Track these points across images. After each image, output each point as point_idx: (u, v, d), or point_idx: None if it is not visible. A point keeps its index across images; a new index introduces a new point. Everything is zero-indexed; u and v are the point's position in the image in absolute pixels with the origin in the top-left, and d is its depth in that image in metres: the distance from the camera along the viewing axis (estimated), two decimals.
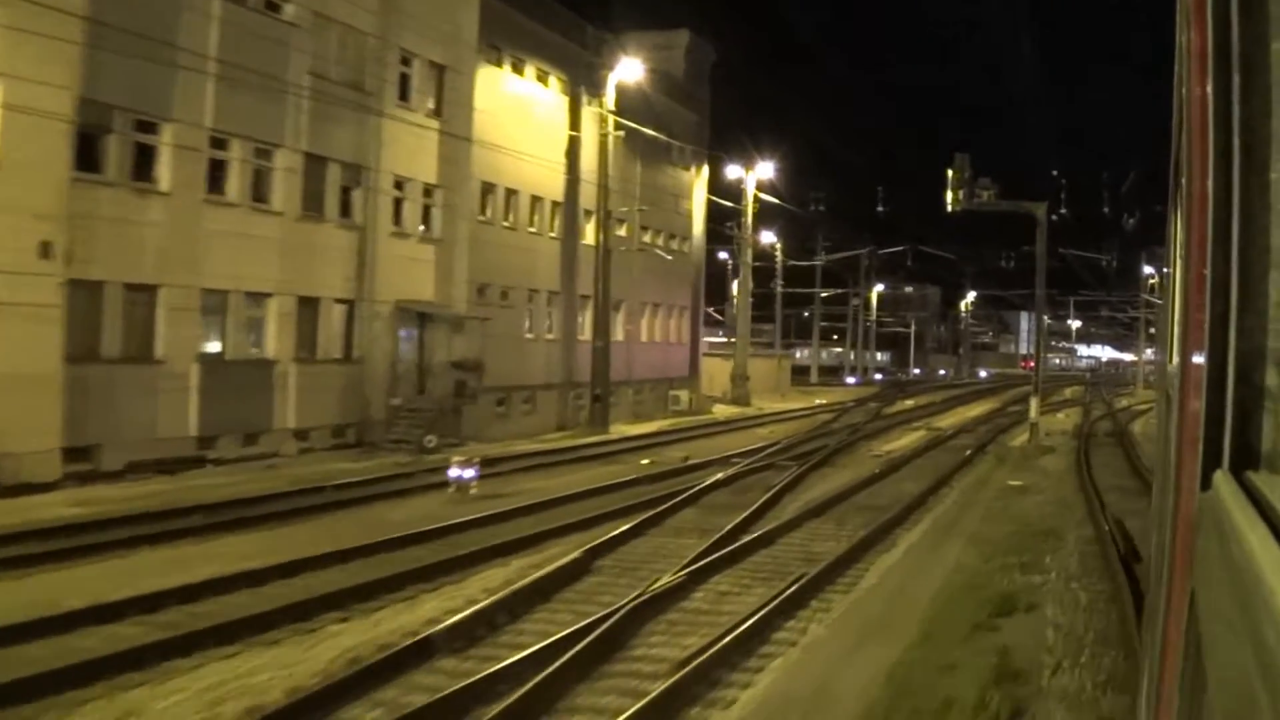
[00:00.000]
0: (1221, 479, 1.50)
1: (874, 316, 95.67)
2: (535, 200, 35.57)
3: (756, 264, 70.93)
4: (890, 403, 55.24)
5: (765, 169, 50.00)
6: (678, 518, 19.71)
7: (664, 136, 43.09)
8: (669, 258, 43.07)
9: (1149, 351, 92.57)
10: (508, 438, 32.52)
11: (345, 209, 29.61)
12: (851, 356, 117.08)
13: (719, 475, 24.25)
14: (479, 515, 18.90)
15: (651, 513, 19.45)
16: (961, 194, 34.22)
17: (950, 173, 34.34)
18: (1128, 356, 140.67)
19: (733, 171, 49.78)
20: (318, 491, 21.74)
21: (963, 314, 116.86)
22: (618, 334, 40.37)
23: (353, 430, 29.35)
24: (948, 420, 43.93)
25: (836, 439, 33.87)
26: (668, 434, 35.45)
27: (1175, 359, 2.93)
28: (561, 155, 36.69)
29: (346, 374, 29.23)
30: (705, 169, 47.79)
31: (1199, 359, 1.72)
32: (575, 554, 15.63)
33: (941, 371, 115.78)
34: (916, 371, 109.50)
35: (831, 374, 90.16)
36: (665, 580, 14.18)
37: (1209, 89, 1.66)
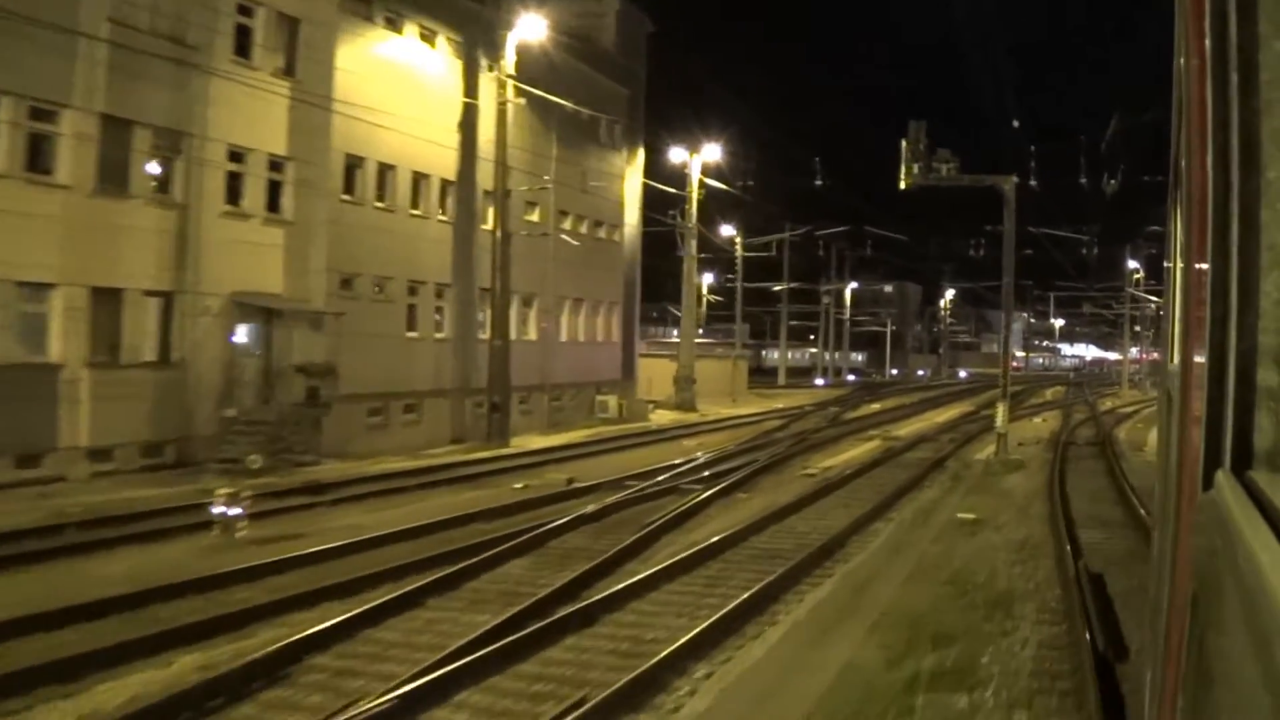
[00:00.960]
0: (1223, 478, 1.49)
1: (848, 315, 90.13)
2: (419, 178, 29.98)
3: (709, 256, 65.51)
4: (854, 407, 49.71)
5: (711, 152, 44.48)
6: (495, 574, 14.21)
7: (586, 111, 37.53)
8: (575, 243, 37.37)
9: (1134, 350, 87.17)
10: (382, 453, 26.97)
11: (163, 184, 24.02)
12: (827, 357, 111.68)
13: (593, 506, 18.75)
14: (214, 573, 13.47)
15: (463, 564, 14.00)
16: (917, 168, 28.74)
17: (904, 144, 28.88)
18: (1113, 355, 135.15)
19: (677, 155, 44.27)
20: (54, 532, 16.26)
21: (942, 312, 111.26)
22: (529, 332, 34.79)
23: (172, 448, 23.73)
24: (911, 427, 38.40)
25: (772, 452, 28.34)
26: (579, 447, 29.90)
27: (1176, 358, 2.83)
28: (454, 127, 31.11)
29: (162, 381, 23.61)
30: (641, 151, 42.21)
31: (1199, 358, 1.75)
32: (275, 647, 10.16)
33: (920, 372, 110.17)
34: (894, 372, 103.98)
35: (804, 375, 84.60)
36: (374, 703, 8.67)
37: (1208, 88, 1.67)
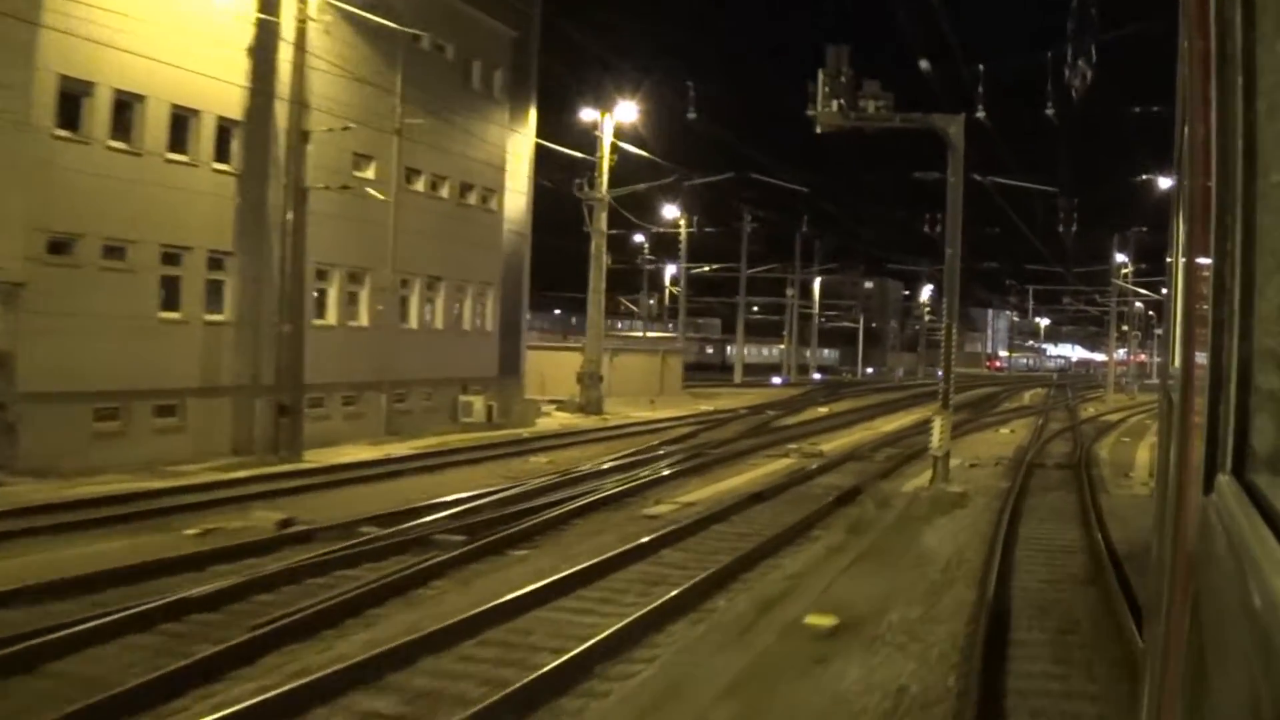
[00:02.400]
0: (1224, 481, 1.47)
1: (816, 309, 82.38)
2: (184, 115, 22.18)
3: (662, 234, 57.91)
4: (797, 411, 41.94)
5: (627, 111, 36.68)
6: None
7: (450, 47, 29.79)
8: (437, 211, 29.50)
9: (1121, 351, 79.23)
10: (112, 469, 19.37)
11: None
12: (807, 354, 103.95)
13: (232, 580, 11.09)
14: None
15: None
16: (837, 106, 20.97)
17: (820, 75, 21.13)
18: (1100, 356, 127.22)
19: (588, 115, 36.49)
20: None
21: (920, 308, 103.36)
22: (360, 316, 27.01)
23: None
24: (848, 438, 30.65)
25: (634, 475, 20.65)
26: (397, 462, 22.18)
27: (1177, 361, 2.76)
28: (243, 52, 23.34)
29: None
30: (533, 108, 34.32)
31: (1201, 361, 1.74)
32: None
33: (898, 371, 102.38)
34: (870, 371, 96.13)
35: (772, 373, 76.76)
36: None
37: (1212, 92, 1.64)
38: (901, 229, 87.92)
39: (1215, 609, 1.35)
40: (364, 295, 26.83)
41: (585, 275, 63.74)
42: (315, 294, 25.69)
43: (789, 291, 72.89)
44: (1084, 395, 64.30)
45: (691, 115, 33.66)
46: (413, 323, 28.64)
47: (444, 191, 29.51)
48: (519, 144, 33.13)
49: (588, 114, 36.27)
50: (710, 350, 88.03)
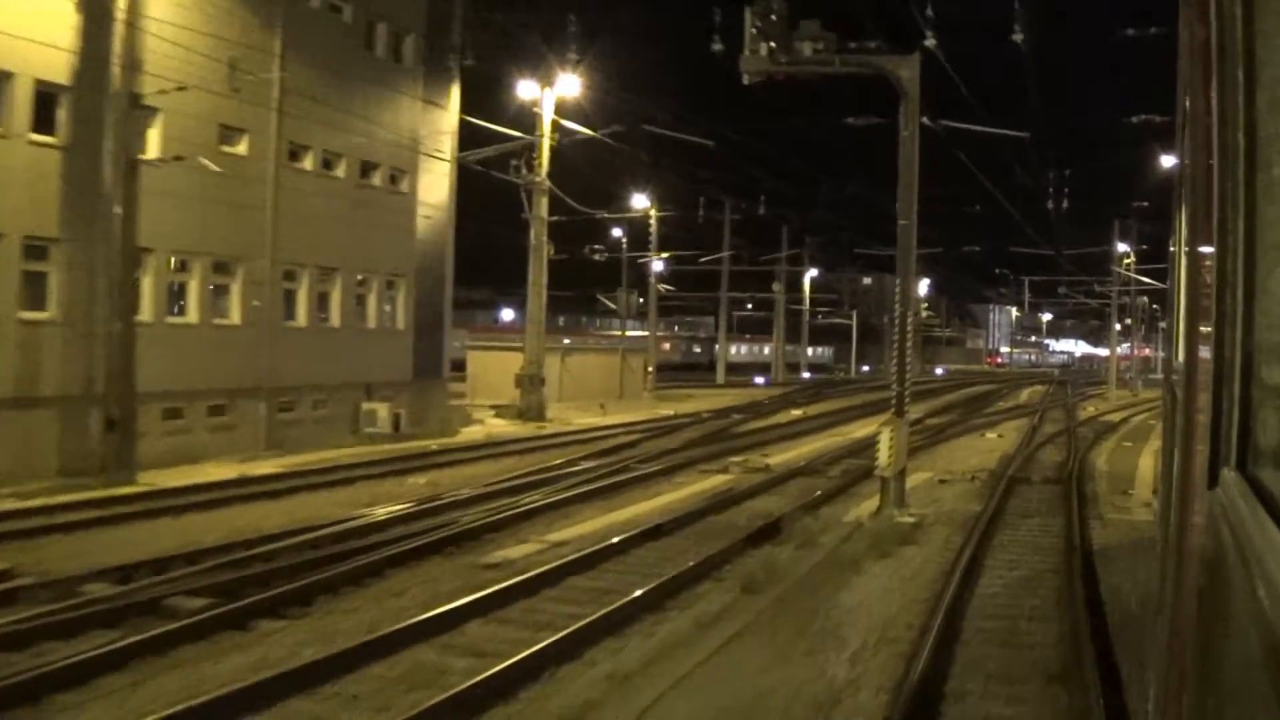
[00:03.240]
0: (1228, 475, 1.45)
1: (806, 305, 78.13)
2: None
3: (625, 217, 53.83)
4: (767, 414, 37.75)
5: (570, 85, 32.55)
6: None
7: (346, 5, 25.79)
8: (334, 189, 25.42)
9: (1123, 346, 74.81)
10: None
11: None
12: (804, 352, 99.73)
13: None
14: None
15: None
16: (767, 50, 16.86)
17: (748, 15, 17.02)
18: (1103, 351, 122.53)
19: (526, 90, 32.38)
20: None
21: (917, 303, 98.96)
22: (232, 314, 22.96)
23: None
24: (811, 446, 26.51)
25: (513, 503, 16.58)
26: (244, 485, 18.17)
27: (1180, 356, 2.69)
28: (70, 7, 19.34)
29: None
30: (456, 82, 30.11)
31: (1205, 356, 1.70)
32: None
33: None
34: (866, 369, 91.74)
35: (763, 372, 72.53)
36: None
37: (1213, 86, 1.62)
38: (869, 207, 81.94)
39: (1220, 602, 1.32)
40: (236, 289, 22.76)
41: (566, 271, 59.56)
42: (174, 287, 21.71)
43: (775, 286, 68.60)
44: (1085, 392, 59.91)
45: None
46: (300, 320, 24.55)
47: (340, 171, 25.41)
48: (438, 120, 29.01)
49: (526, 89, 32.14)
50: (698, 349, 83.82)
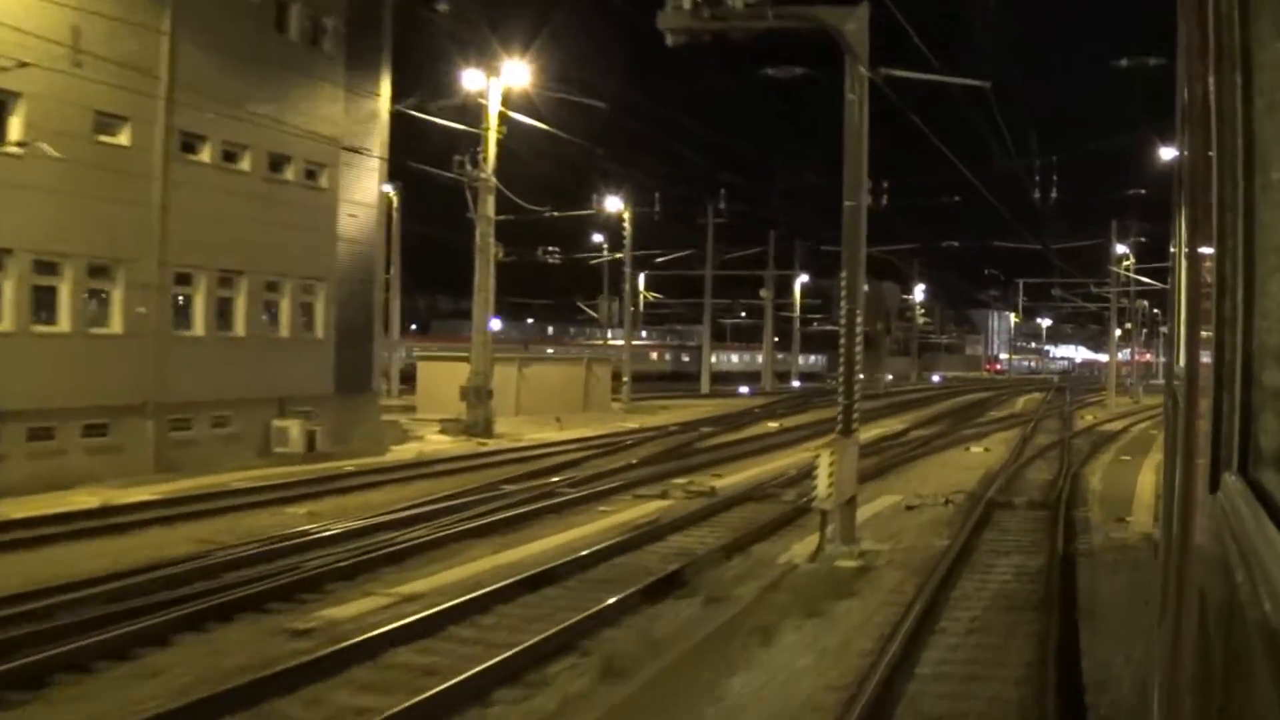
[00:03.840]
0: (1230, 480, 1.43)
1: (797, 311, 75.38)
2: None
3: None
4: (744, 426, 34.96)
5: (519, 74, 29.86)
6: None
7: None
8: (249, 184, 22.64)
9: (1124, 352, 71.93)
10: None
11: None
12: (796, 360, 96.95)
13: None
14: None
15: None
16: (690, 3, 14.08)
17: None
18: (1105, 357, 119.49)
19: (472, 80, 29.67)
20: None
21: (913, 309, 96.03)
22: (113, 322, 20.21)
23: None
24: (772, 464, 23.66)
25: (389, 540, 13.81)
26: (98, 516, 15.39)
27: (1182, 360, 2.61)
28: None
29: None
30: (386, 71, 27.30)
31: (1206, 360, 1.68)
32: None
33: (889, 376, 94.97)
34: (860, 378, 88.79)
35: (754, 381, 69.56)
36: None
37: (1211, 89, 1.62)
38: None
39: (1222, 606, 1.32)
40: (117, 294, 20.02)
41: (550, 280, 56.74)
42: (42, 293, 19.02)
43: (763, 292, 65.70)
44: (1084, 400, 56.99)
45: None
46: (198, 329, 21.77)
47: (245, 164, 22.65)
48: (364, 110, 26.27)
49: (471, 79, 29.46)
50: (686, 358, 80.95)
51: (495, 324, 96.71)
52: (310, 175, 24.44)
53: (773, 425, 35.20)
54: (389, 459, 23.90)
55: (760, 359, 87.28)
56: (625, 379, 46.65)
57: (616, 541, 13.90)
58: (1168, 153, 37.00)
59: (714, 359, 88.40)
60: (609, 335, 69.39)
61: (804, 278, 75.16)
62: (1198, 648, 1.58)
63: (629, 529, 15.01)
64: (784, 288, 73.87)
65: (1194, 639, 1.63)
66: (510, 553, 13.38)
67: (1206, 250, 1.65)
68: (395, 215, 39.03)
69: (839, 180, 14.34)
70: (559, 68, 31.68)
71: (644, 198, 49.72)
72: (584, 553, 13.00)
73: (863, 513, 15.01)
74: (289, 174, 23.83)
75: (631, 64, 63.01)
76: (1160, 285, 49.40)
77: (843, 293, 14.41)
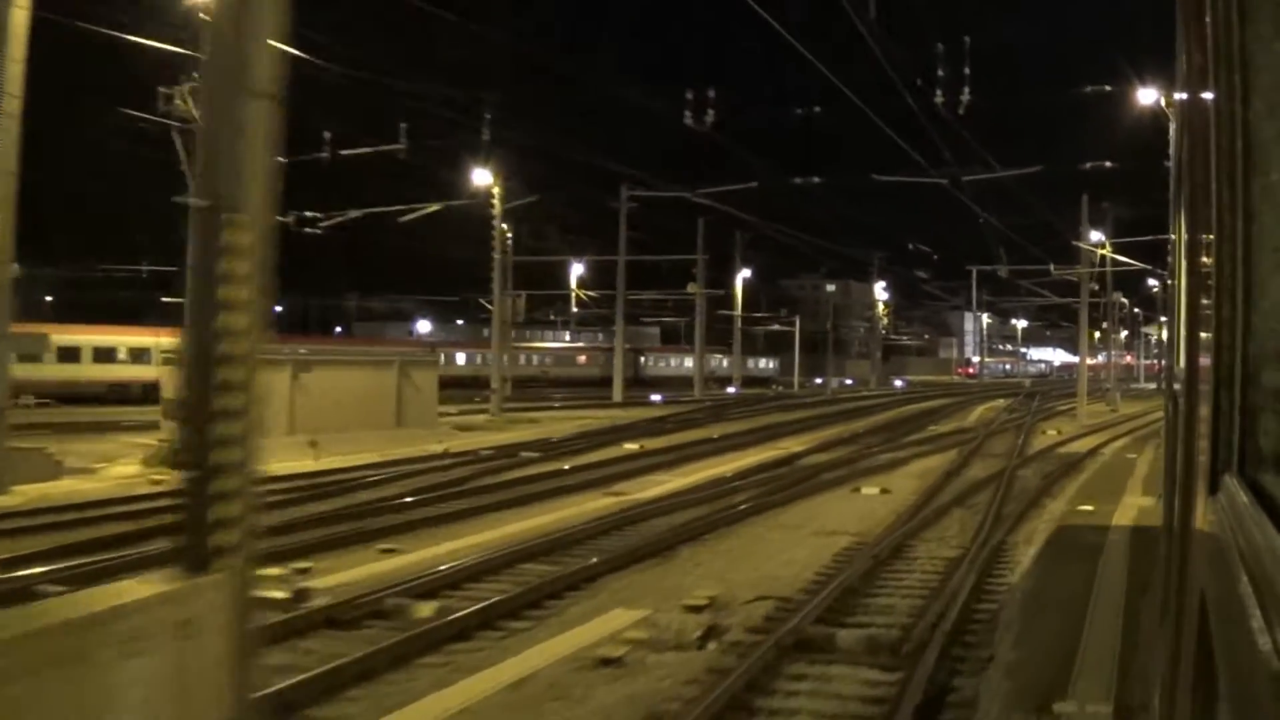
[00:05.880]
0: (1230, 480, 1.41)
1: (738, 309, 66.47)
2: None
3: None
4: (591, 450, 25.99)
5: None
6: None
7: None
8: None
9: (1099, 356, 63.22)
10: None
11: None
12: (757, 363, 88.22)
13: None
14: None
15: None
16: None
17: None
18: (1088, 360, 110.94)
19: None
20: None
21: (876, 311, 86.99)
22: None
23: None
24: (540, 520, 14.81)
25: None
26: None
27: (1182, 362, 2.54)
28: None
29: None
30: None
31: (1205, 362, 1.65)
32: None
33: (848, 381, 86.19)
34: (818, 381, 79.90)
35: (710, 384, 60.48)
36: None
37: (1210, 91, 1.60)
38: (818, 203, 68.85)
39: (1223, 605, 1.26)
40: None
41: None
42: None
43: (691, 286, 56.57)
44: (1053, 408, 48.08)
45: None
46: None
47: None
48: None
49: None
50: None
51: (424, 326, 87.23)
52: None
53: (632, 447, 26.23)
54: None
55: (719, 361, 78.58)
56: (495, 386, 37.70)
57: None
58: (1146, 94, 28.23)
59: (651, 362, 79.56)
60: (499, 334, 60.45)
61: (746, 272, 66.19)
62: (1198, 644, 1.53)
63: None
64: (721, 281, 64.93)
65: (1195, 635, 1.59)
66: None
67: (1206, 252, 1.62)
68: None
69: None
70: None
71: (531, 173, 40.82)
72: None
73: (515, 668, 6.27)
74: None
75: None
76: (1132, 265, 40.54)
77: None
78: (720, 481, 19.30)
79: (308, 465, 21.41)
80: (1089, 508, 15.84)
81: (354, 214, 34.19)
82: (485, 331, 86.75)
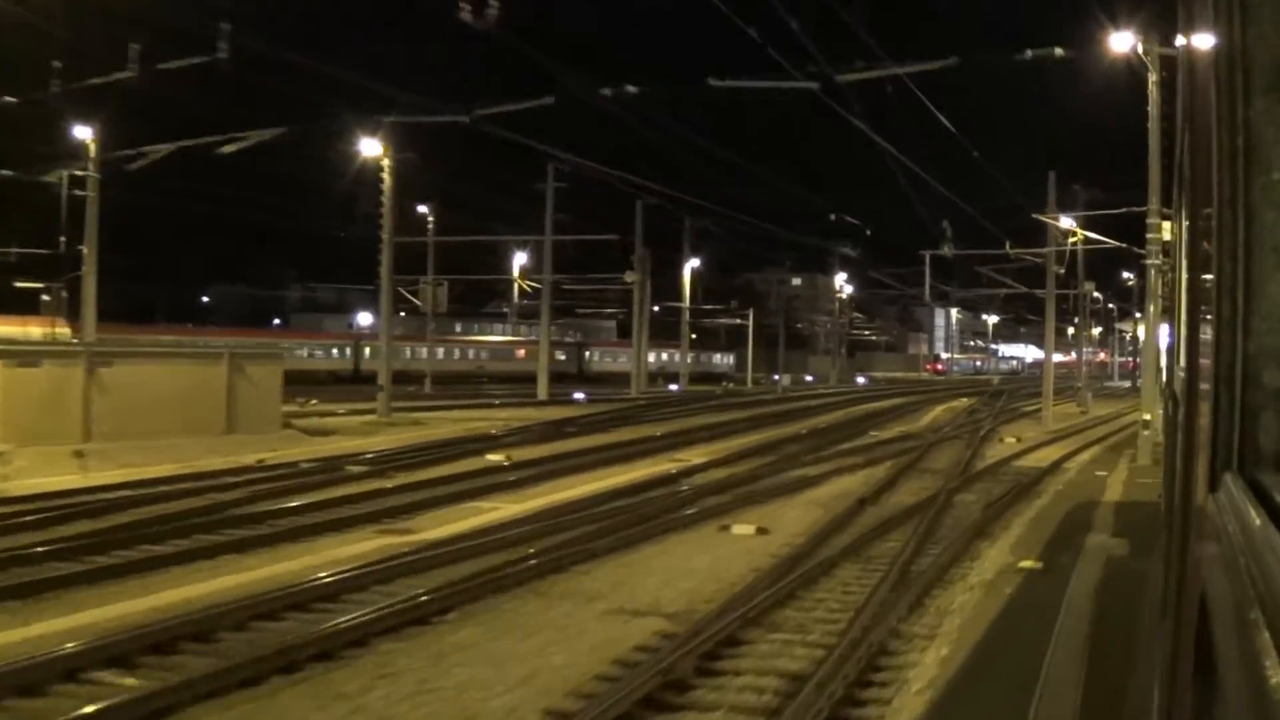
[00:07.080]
0: (1230, 480, 1.40)
1: (685, 303, 61.64)
2: None
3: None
4: (445, 462, 21.15)
5: None
6: None
7: None
8: None
9: (1069, 353, 58.81)
10: None
11: None
12: (684, 358, 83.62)
13: None
14: None
15: None
16: None
17: None
18: (1059, 356, 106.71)
19: None
20: None
21: (840, 305, 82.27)
22: None
23: None
24: (261, 569, 10.11)
25: None
26: None
27: (1182, 361, 2.57)
28: None
29: None
30: None
31: (1206, 361, 1.64)
32: None
33: (808, 378, 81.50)
34: (777, 378, 75.16)
35: (658, 380, 55.61)
36: None
37: (1212, 90, 1.57)
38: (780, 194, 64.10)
39: (1222, 606, 1.29)
40: None
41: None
42: None
43: (629, 275, 51.54)
44: (1018, 409, 43.57)
45: None
46: None
47: None
48: None
49: None
50: (562, 356, 67.08)
51: (365, 318, 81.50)
52: None
53: (495, 459, 21.39)
54: None
55: (665, 357, 73.83)
56: (382, 383, 32.79)
57: None
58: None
59: (597, 357, 74.86)
60: (428, 324, 55.64)
61: (694, 261, 61.28)
62: (1199, 647, 1.54)
63: None
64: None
65: (1194, 637, 1.59)
66: None
67: (1207, 250, 1.64)
68: None
69: None
70: None
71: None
72: None
73: None
74: None
75: None
76: (1109, 243, 36.02)
77: None
78: (559, 511, 14.52)
79: (63, 481, 16.57)
80: (1036, 564, 11.11)
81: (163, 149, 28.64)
82: (433, 325, 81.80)
